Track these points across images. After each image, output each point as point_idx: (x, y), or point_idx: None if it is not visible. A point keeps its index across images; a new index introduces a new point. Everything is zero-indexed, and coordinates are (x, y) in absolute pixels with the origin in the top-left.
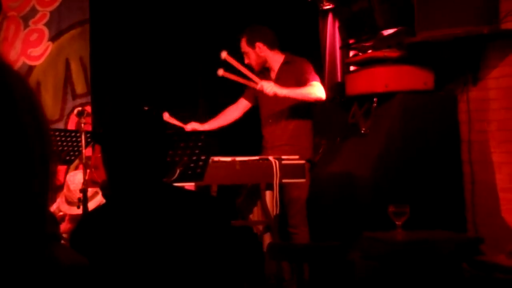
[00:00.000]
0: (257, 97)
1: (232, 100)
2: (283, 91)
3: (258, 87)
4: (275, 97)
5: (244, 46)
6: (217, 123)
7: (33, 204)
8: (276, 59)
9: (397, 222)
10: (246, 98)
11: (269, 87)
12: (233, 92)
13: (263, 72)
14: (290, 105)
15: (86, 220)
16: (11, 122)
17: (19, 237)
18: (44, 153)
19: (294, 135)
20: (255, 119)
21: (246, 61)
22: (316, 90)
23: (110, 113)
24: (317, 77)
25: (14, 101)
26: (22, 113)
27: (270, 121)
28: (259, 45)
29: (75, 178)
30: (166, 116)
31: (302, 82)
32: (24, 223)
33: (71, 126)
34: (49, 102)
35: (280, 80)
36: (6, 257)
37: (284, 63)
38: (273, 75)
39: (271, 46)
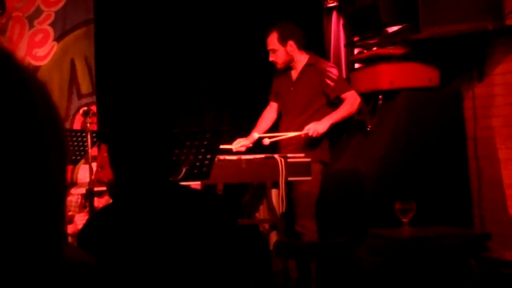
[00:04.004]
0: (279, 97)
1: (236, 101)
2: (327, 123)
3: (304, 135)
4: (292, 99)
5: (274, 42)
6: (260, 129)
7: (52, 206)
8: (300, 59)
9: (403, 219)
10: (275, 100)
11: (313, 131)
12: (237, 94)
13: (285, 71)
14: (306, 107)
15: (94, 219)
16: (30, 124)
17: (38, 238)
18: (61, 157)
19: (308, 140)
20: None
21: (271, 58)
22: (354, 101)
23: (116, 113)
24: (344, 80)
25: (35, 107)
26: (42, 118)
27: (287, 120)
28: (291, 43)
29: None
30: (266, 140)
31: (331, 90)
32: (42, 225)
33: (77, 126)
34: (54, 102)
35: (301, 82)
36: (21, 256)
37: (307, 65)
38: (294, 75)
39: (300, 45)
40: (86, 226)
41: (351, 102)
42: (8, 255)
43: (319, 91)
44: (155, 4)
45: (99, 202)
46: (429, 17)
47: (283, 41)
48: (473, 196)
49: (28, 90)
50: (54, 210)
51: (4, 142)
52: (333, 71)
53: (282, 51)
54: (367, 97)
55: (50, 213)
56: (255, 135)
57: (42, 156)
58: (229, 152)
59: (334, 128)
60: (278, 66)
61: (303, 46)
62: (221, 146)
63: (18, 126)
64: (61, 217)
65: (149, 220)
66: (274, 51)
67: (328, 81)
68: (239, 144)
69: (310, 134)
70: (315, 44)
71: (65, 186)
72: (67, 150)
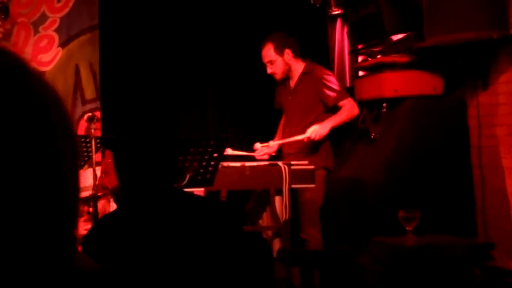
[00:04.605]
0: (281, 106)
1: (241, 106)
2: (328, 126)
3: (306, 139)
4: (291, 108)
5: (270, 54)
6: (279, 138)
7: (65, 210)
8: (297, 67)
9: (407, 227)
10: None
11: (315, 134)
12: (242, 99)
13: (283, 81)
14: (304, 115)
15: (99, 226)
16: (43, 128)
17: (51, 243)
18: (73, 160)
19: (310, 144)
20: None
21: (270, 71)
22: (351, 109)
23: (121, 119)
24: (341, 88)
25: (47, 111)
26: (54, 122)
27: (288, 129)
28: (287, 51)
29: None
30: (230, 151)
31: (326, 97)
32: (55, 230)
33: (80, 131)
34: (65, 105)
35: (298, 91)
36: (33, 261)
37: (303, 73)
38: (292, 84)
39: (296, 53)
40: (91, 232)
41: (349, 108)
42: (20, 260)
43: (316, 99)
44: (159, 10)
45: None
46: (433, 25)
47: (279, 50)
48: (477, 205)
49: (40, 95)
50: (67, 214)
51: (17, 147)
52: (330, 79)
53: (280, 61)
54: (371, 105)
55: (64, 217)
56: (258, 145)
57: (55, 159)
58: (234, 159)
59: (337, 135)
60: (277, 77)
61: (299, 54)
62: (244, 153)
63: (31, 130)
64: (74, 221)
65: (154, 226)
66: (271, 62)
67: (325, 90)
68: (262, 152)
69: (312, 137)
70: (319, 51)
71: (78, 189)
72: (78, 153)
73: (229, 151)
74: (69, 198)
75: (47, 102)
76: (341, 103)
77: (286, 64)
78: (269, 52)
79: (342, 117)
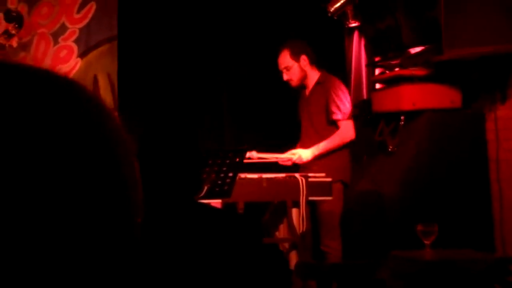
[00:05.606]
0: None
1: (256, 114)
2: (314, 152)
3: (288, 162)
4: (306, 118)
5: (286, 60)
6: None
7: (130, 231)
8: (312, 76)
9: (425, 241)
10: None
11: (298, 159)
12: (257, 106)
13: (299, 89)
14: (318, 126)
15: None
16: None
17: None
18: (135, 181)
19: (327, 156)
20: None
21: (286, 77)
22: (345, 135)
23: (143, 131)
24: (347, 105)
25: (113, 143)
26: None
27: (306, 138)
28: (303, 57)
29: None
30: (254, 154)
31: (330, 113)
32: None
33: None
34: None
35: (311, 101)
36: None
37: (317, 84)
38: (307, 92)
39: (312, 61)
40: None
41: (343, 133)
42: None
43: (326, 109)
44: (177, 22)
45: None
46: (452, 39)
47: (296, 56)
48: (494, 219)
49: (103, 124)
50: (129, 236)
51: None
52: (340, 94)
53: (296, 67)
54: (389, 118)
55: (126, 238)
56: (254, 154)
57: (122, 185)
58: (251, 170)
59: (354, 148)
60: (293, 84)
61: (315, 62)
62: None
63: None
64: (136, 236)
65: (174, 238)
66: (288, 68)
67: (330, 103)
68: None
69: (294, 159)
70: (337, 64)
71: (141, 207)
72: (138, 174)
73: (254, 154)
74: (134, 212)
75: (110, 131)
76: (339, 124)
77: (302, 70)
78: (285, 58)
79: (333, 144)
